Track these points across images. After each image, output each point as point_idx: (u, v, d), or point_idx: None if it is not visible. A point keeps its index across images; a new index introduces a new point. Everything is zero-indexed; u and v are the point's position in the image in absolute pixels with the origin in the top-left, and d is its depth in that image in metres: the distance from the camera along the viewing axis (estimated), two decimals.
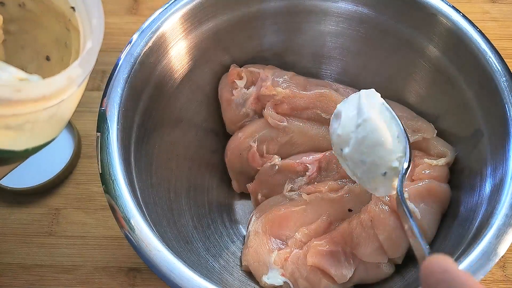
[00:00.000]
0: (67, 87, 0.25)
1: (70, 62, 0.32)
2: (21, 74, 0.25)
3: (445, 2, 0.45)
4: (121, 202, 0.37)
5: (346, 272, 0.43)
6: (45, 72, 0.34)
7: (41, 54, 0.34)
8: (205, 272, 0.41)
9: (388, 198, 0.44)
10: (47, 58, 0.34)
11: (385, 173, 0.39)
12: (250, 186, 0.51)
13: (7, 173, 0.30)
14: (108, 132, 0.39)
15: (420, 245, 0.34)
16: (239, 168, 0.51)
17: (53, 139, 0.28)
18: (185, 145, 0.50)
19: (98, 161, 0.38)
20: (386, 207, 0.44)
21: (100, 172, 0.38)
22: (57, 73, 0.31)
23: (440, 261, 0.26)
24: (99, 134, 0.39)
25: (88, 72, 0.27)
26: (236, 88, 0.51)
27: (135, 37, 0.43)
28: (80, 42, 0.30)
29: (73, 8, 0.30)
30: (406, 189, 0.44)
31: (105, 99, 0.40)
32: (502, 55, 0.42)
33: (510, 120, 0.40)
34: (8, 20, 0.32)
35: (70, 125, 0.56)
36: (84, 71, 0.27)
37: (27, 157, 0.27)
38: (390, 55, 0.50)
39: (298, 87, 0.50)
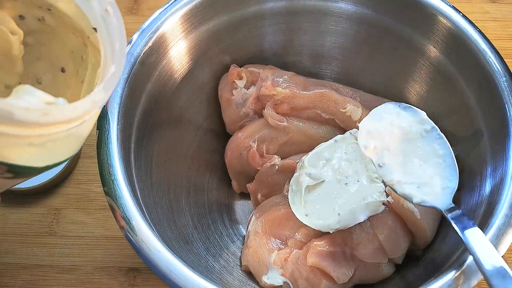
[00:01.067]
0: (90, 110, 0.26)
1: (86, 76, 0.33)
2: (48, 98, 0.26)
3: (445, 2, 0.45)
4: (121, 202, 0.37)
5: (346, 273, 0.43)
6: (60, 83, 0.34)
7: (56, 65, 0.34)
8: (205, 272, 0.41)
9: (386, 198, 0.44)
10: (62, 70, 0.35)
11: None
12: (250, 186, 0.51)
13: (18, 183, 0.30)
14: (108, 132, 0.39)
15: None
16: (239, 168, 0.51)
17: (72, 156, 0.29)
18: (185, 145, 0.50)
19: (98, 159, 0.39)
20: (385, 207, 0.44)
21: (100, 172, 0.38)
22: (72, 84, 0.33)
23: None
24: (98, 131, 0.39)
25: (110, 95, 0.28)
26: (236, 88, 0.51)
27: (135, 37, 0.43)
28: (100, 61, 0.31)
29: (95, 28, 0.31)
30: None
31: None
32: (502, 55, 0.42)
33: (510, 120, 0.40)
34: (26, 32, 0.33)
35: None
36: (107, 94, 0.28)
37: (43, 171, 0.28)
38: (390, 55, 0.50)
39: (298, 87, 0.50)
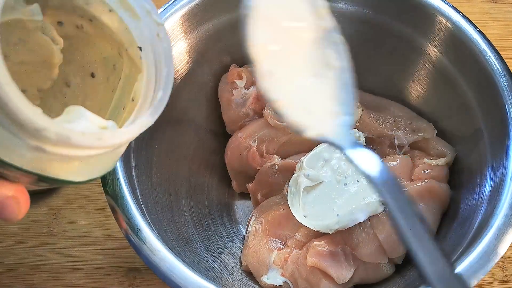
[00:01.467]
0: (137, 134, 0.28)
1: (119, 86, 0.33)
2: (100, 121, 0.27)
3: (445, 2, 0.45)
4: (121, 202, 0.37)
5: (346, 273, 0.43)
6: (88, 87, 0.35)
7: (86, 70, 0.35)
8: (205, 272, 0.41)
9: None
10: (92, 75, 0.35)
11: None
12: (250, 186, 0.51)
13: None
14: None
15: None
16: (239, 168, 0.51)
17: (108, 171, 0.30)
18: (185, 145, 0.50)
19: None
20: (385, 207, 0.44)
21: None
22: (101, 90, 0.34)
23: None
24: None
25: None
26: (236, 88, 0.51)
27: None
28: (134, 75, 0.32)
29: (140, 47, 0.31)
30: (406, 189, 0.44)
31: None
32: (502, 55, 0.42)
33: (510, 120, 0.40)
34: (61, 37, 0.33)
35: None
36: (154, 119, 0.29)
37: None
38: (390, 55, 0.50)
39: None
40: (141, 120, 0.28)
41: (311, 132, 0.30)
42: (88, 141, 0.24)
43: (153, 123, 0.29)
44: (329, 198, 0.45)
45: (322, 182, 0.45)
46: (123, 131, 0.27)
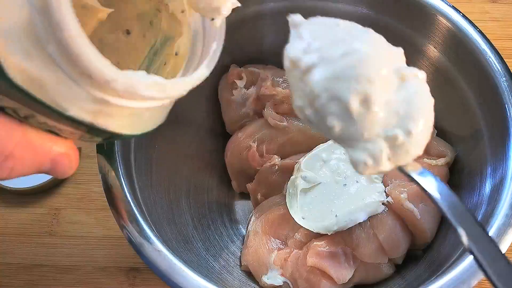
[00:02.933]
0: (195, 85, 0.28)
1: (157, 42, 0.33)
2: (154, 77, 0.27)
3: (445, 2, 0.45)
4: (121, 203, 0.37)
5: (346, 273, 0.43)
6: (123, 45, 0.34)
7: (121, 27, 0.34)
8: (205, 272, 0.41)
9: (386, 198, 0.44)
10: (127, 32, 0.34)
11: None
12: (249, 186, 0.51)
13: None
14: None
15: None
16: (239, 168, 0.51)
17: (158, 126, 0.30)
18: (185, 145, 0.50)
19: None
20: (384, 207, 0.44)
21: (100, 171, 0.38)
22: (138, 48, 0.33)
23: None
24: None
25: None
26: (236, 88, 0.51)
27: None
28: (174, 30, 0.31)
29: None
30: (406, 189, 0.44)
31: None
32: (502, 55, 0.42)
33: (510, 120, 0.40)
34: None
35: None
36: (209, 71, 0.29)
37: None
38: None
39: None
40: (198, 72, 0.28)
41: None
42: (153, 92, 0.24)
43: (208, 74, 0.28)
44: (328, 199, 0.45)
45: (320, 183, 0.45)
46: (183, 81, 0.27)
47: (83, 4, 0.30)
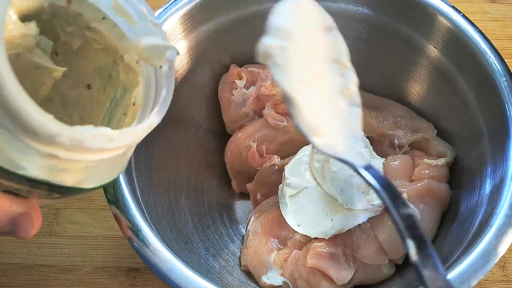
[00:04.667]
0: (147, 133, 0.28)
1: (117, 93, 0.33)
2: (106, 130, 0.27)
3: (445, 2, 0.45)
4: (122, 203, 0.37)
5: (346, 274, 0.43)
6: (85, 99, 0.35)
7: (82, 82, 0.35)
8: (205, 272, 0.41)
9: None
10: (88, 86, 0.35)
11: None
12: (249, 186, 0.51)
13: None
14: None
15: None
16: (239, 168, 0.51)
17: (118, 176, 0.31)
18: (185, 145, 0.50)
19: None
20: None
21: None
22: (100, 101, 0.34)
23: None
24: None
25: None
26: (236, 88, 0.51)
27: None
28: (132, 80, 0.32)
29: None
30: (406, 189, 0.44)
31: None
32: (502, 55, 0.42)
33: (510, 120, 0.40)
34: (56, 54, 0.33)
35: None
36: (161, 117, 0.29)
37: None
38: (390, 55, 0.50)
39: None
40: (149, 119, 0.28)
41: (321, 141, 0.31)
42: (101, 143, 0.24)
43: (160, 121, 0.29)
44: (319, 203, 0.44)
45: (306, 187, 0.45)
46: (133, 130, 0.27)
47: (36, 65, 0.31)
